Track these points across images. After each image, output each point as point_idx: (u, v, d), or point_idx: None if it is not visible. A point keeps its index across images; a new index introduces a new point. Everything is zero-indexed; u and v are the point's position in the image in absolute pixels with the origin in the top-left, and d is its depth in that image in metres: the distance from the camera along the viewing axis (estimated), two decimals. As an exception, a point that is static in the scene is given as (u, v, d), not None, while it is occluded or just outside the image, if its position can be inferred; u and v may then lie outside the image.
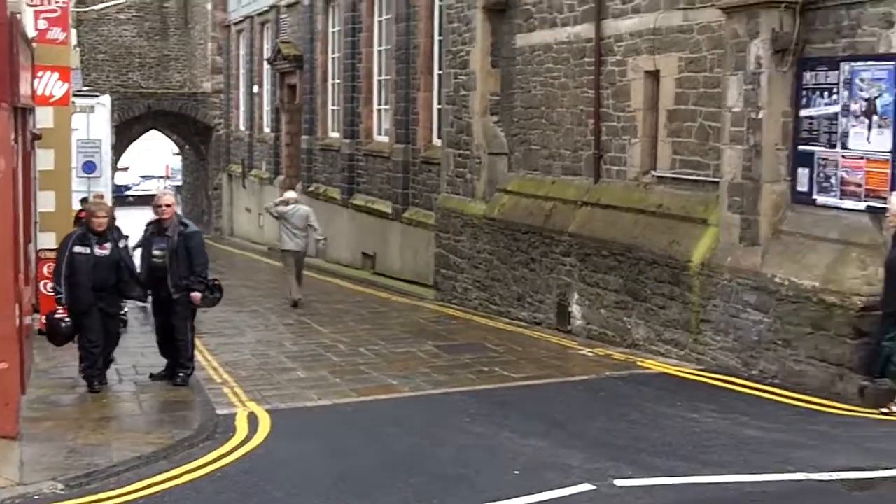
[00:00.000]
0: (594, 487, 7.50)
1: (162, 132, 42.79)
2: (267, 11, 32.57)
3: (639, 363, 12.43)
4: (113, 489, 7.94)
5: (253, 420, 10.04)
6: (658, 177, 13.52)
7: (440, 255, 19.02)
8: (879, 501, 7.38)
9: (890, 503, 7.36)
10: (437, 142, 20.61)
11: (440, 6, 20.18)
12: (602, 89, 14.62)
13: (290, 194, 19.39)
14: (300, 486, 7.91)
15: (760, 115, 11.36)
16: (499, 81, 17.50)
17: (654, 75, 13.56)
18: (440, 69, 20.17)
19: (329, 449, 9.14)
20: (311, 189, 27.84)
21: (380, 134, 24.36)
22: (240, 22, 35.99)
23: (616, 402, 10.64)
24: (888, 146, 10.20)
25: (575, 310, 14.81)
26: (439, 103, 20.22)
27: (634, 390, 11.16)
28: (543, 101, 16.16)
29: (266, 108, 33.84)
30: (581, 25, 15.10)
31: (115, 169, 30.84)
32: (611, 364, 12.47)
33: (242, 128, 36.40)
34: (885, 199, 10.11)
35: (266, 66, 32.87)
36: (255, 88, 34.30)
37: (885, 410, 9.44)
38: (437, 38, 20.71)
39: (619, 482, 7.60)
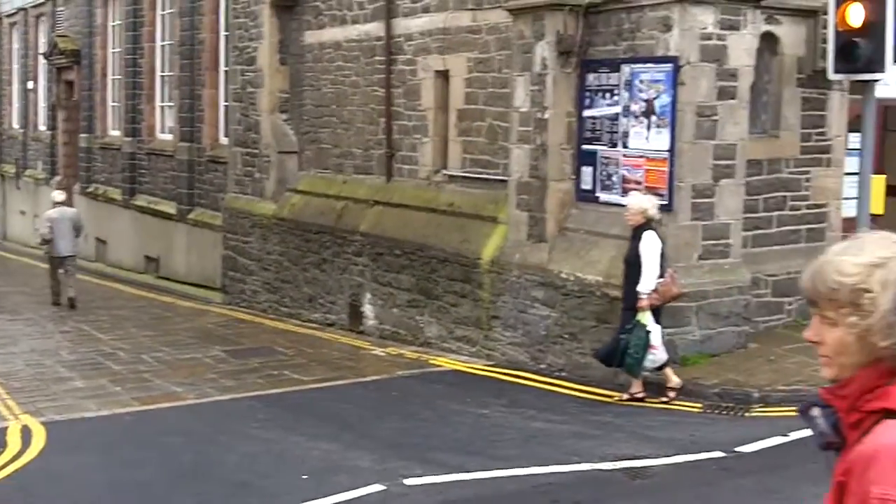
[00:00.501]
0: (384, 488, 7.39)
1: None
2: (42, 4, 30.93)
3: (431, 361, 12.44)
4: None
5: (26, 433, 9.41)
6: (449, 176, 13.58)
7: (228, 257, 18.50)
8: (660, 488, 7.59)
9: (669, 489, 7.58)
10: (223, 140, 20.03)
11: (226, 1, 19.65)
12: (393, 88, 14.57)
13: (57, 196, 18.55)
14: (78, 501, 7.42)
15: (546, 116, 11.57)
16: (288, 79, 17.19)
17: (443, 75, 13.62)
18: (227, 65, 19.62)
19: (109, 461, 8.66)
20: (90, 190, 26.59)
21: (163, 132, 23.49)
22: (12, 14, 34.05)
23: (408, 402, 10.58)
24: (666, 145, 10.58)
25: (367, 310, 14.69)
26: (226, 100, 19.67)
27: (426, 388, 11.14)
28: (334, 100, 15.97)
29: (42, 104, 32.12)
30: (371, 24, 15.00)
31: None
32: (403, 363, 12.42)
33: (16, 126, 34.47)
34: (663, 196, 10.48)
35: (42, 60, 31.21)
36: (30, 84, 32.54)
37: (625, 396, 9.81)
38: (223, 33, 20.14)
39: (409, 481, 7.52)
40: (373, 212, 14.81)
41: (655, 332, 9.48)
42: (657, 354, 9.54)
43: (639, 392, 9.77)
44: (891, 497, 1.93)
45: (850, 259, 2.11)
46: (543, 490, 7.35)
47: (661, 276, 9.51)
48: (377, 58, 14.88)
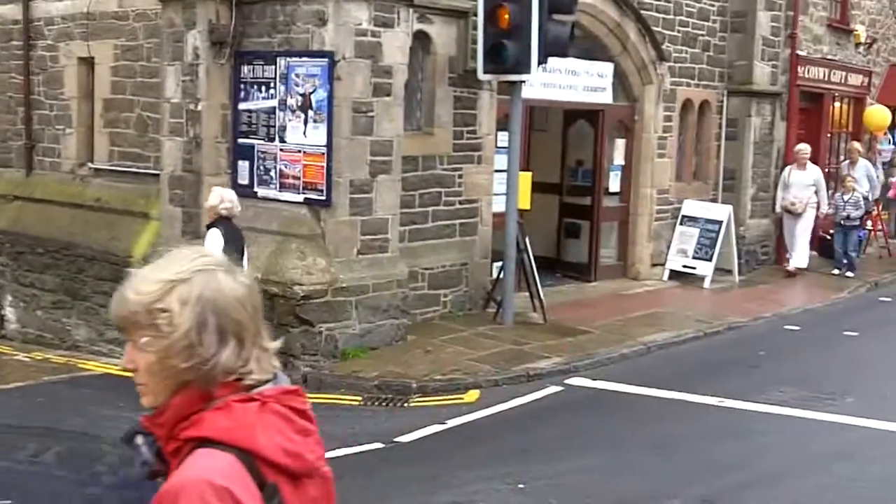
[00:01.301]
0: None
1: None
2: None
3: (80, 365, 11.65)
4: None
5: None
6: (96, 169, 12.83)
7: None
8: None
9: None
10: None
11: None
12: (33, 75, 13.58)
13: None
14: None
15: (200, 108, 11.16)
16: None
17: (88, 62, 12.84)
18: None
19: None
20: None
21: None
22: None
23: (55, 408, 9.81)
24: (323, 140, 10.50)
25: (8, 312, 13.56)
26: None
27: (75, 394, 10.41)
28: (-35, 87, 14.62)
29: None
30: (7, 6, 13.90)
31: None
32: (50, 368, 11.55)
33: None
34: (322, 191, 10.41)
35: None
36: None
37: None
38: None
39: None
40: (12, 207, 13.70)
41: None
42: None
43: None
44: None
45: (150, 276, 1.98)
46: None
47: None
48: (14, 42, 13.82)
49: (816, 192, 16.24)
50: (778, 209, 16.52)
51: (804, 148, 16.40)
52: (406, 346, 10.69)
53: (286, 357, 10.27)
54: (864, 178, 17.59)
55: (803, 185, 16.12)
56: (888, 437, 8.43)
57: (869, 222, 18.39)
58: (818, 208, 16.29)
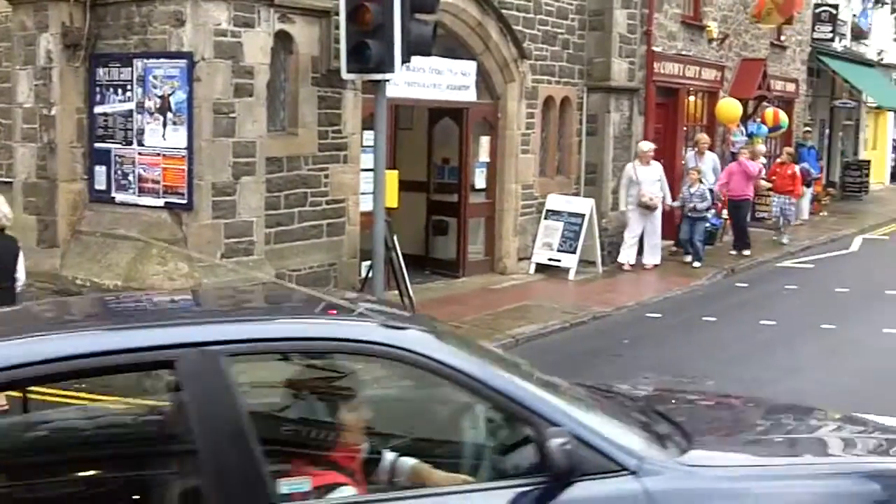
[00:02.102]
0: None
1: None
2: None
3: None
4: None
5: None
6: (-56, 178, 12.27)
7: None
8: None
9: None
10: None
11: None
12: None
13: None
14: None
15: (53, 112, 10.84)
16: None
17: (-67, 66, 12.27)
18: None
19: None
20: None
21: None
22: None
23: None
24: (184, 143, 10.31)
25: None
26: None
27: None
28: None
29: None
30: None
31: None
32: None
33: None
34: (183, 194, 10.22)
35: None
36: None
37: None
38: None
39: None
40: None
41: None
42: None
43: None
44: None
45: None
46: None
47: None
48: None
49: (661, 187, 16.66)
50: (626, 206, 16.46)
51: (649, 145, 16.68)
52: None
53: (152, 365, 10.05)
54: (710, 170, 18.13)
55: (652, 180, 16.45)
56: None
57: (725, 212, 19.07)
58: (663, 202, 16.73)
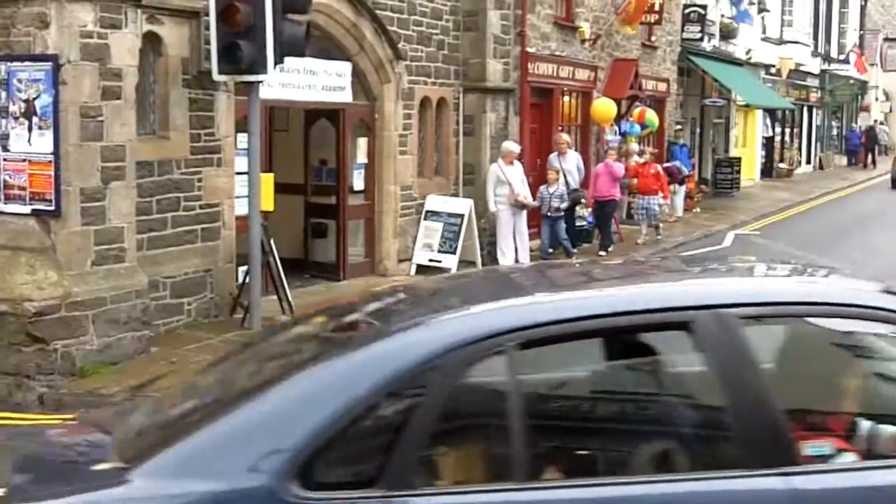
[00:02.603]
0: None
1: None
2: None
3: None
4: None
5: None
6: None
7: None
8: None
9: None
10: None
11: None
12: None
13: None
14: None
15: (-89, 116, 10.39)
16: None
17: None
18: None
19: None
20: None
21: None
22: None
23: None
24: (50, 148, 10.00)
25: None
26: None
27: None
28: None
29: None
30: None
31: None
32: None
33: None
34: (50, 201, 9.94)
35: None
36: None
37: None
38: None
39: None
40: None
41: None
42: None
43: None
44: None
45: None
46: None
47: None
48: None
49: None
50: (496, 206, 16.20)
51: (513, 146, 16.55)
52: (150, 359, 10.37)
53: (20, 378, 9.77)
54: (575, 168, 18.00)
55: (519, 179, 16.38)
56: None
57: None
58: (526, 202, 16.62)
